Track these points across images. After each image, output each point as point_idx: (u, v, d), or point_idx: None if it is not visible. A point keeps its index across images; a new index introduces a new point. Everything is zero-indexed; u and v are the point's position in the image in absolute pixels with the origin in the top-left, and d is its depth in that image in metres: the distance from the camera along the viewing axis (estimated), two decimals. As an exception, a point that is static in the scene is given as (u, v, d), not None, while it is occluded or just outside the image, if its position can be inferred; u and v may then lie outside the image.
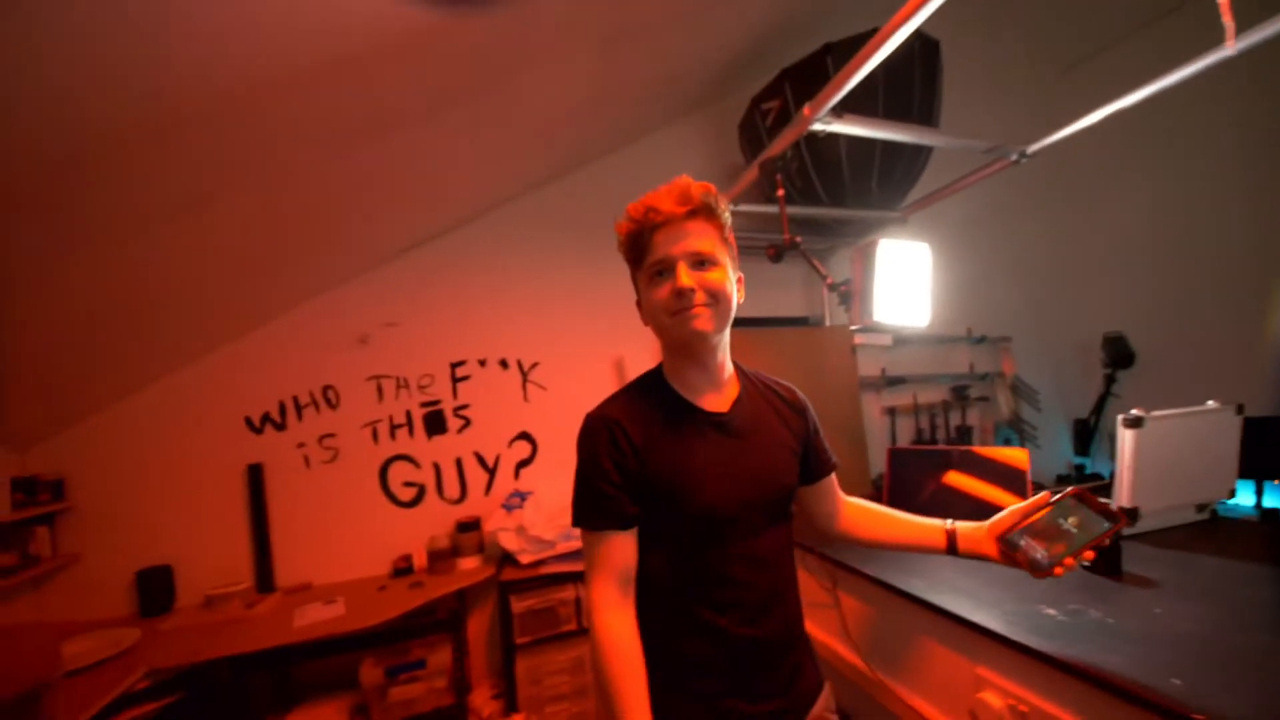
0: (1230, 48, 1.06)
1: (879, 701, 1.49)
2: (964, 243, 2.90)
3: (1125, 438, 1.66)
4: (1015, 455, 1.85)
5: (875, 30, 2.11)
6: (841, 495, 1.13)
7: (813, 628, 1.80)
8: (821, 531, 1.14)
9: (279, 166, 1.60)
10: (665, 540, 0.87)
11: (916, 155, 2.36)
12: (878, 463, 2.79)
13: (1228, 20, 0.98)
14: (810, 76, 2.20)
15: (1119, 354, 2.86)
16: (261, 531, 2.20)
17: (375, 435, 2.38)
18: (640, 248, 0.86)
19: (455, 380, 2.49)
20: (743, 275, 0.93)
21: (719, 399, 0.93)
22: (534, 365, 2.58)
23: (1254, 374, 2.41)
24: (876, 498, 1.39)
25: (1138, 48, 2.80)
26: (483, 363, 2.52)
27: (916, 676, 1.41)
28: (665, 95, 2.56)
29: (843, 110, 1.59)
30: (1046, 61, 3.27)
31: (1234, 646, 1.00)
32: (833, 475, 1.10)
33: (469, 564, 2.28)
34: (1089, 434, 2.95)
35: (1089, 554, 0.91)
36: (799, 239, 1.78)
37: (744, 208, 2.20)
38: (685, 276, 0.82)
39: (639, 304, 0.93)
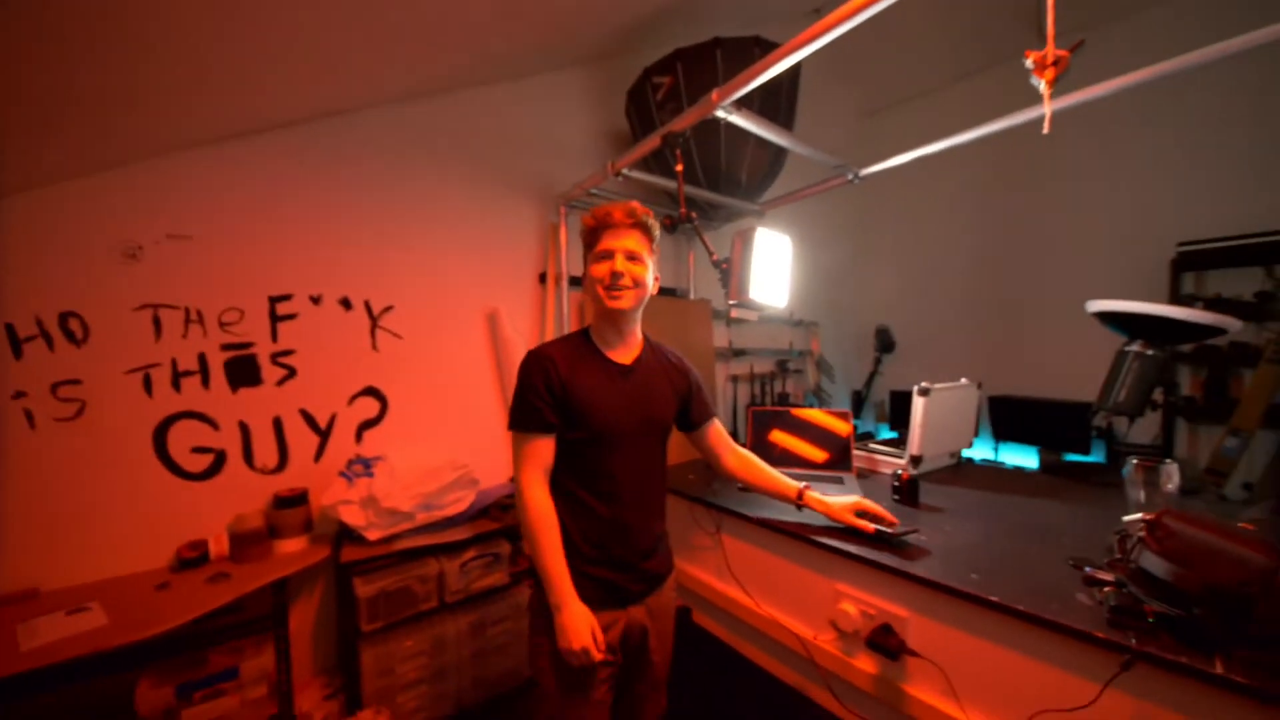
0: (1046, 130, 1.25)
1: (761, 630, 1.64)
2: (796, 239, 3.34)
3: (917, 402, 2.11)
4: (839, 419, 2.22)
5: (757, 38, 2.34)
6: (730, 443, 1.49)
7: (698, 571, 1.90)
8: (714, 469, 1.50)
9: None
10: (571, 448, 1.18)
11: (778, 157, 2.64)
12: (724, 424, 3.11)
13: (1048, 107, 1.25)
14: (700, 63, 2.29)
15: (885, 342, 3.70)
16: (-64, 520, 1.45)
17: (149, 384, 1.74)
18: (595, 238, 1.19)
19: (275, 319, 1.94)
20: (659, 276, 1.28)
21: (626, 355, 1.26)
22: (387, 309, 2.16)
23: (974, 362, 3.29)
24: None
25: (937, 101, 3.59)
26: (316, 300, 2.02)
27: (789, 599, 1.59)
28: (561, 34, 2.37)
29: (739, 103, 1.68)
30: (854, 104, 3.98)
31: (1004, 550, 1.37)
32: (716, 424, 1.47)
33: (292, 546, 1.82)
34: (861, 402, 3.77)
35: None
36: (695, 215, 1.83)
37: (635, 174, 2.18)
38: (620, 264, 1.16)
39: (586, 274, 1.22)
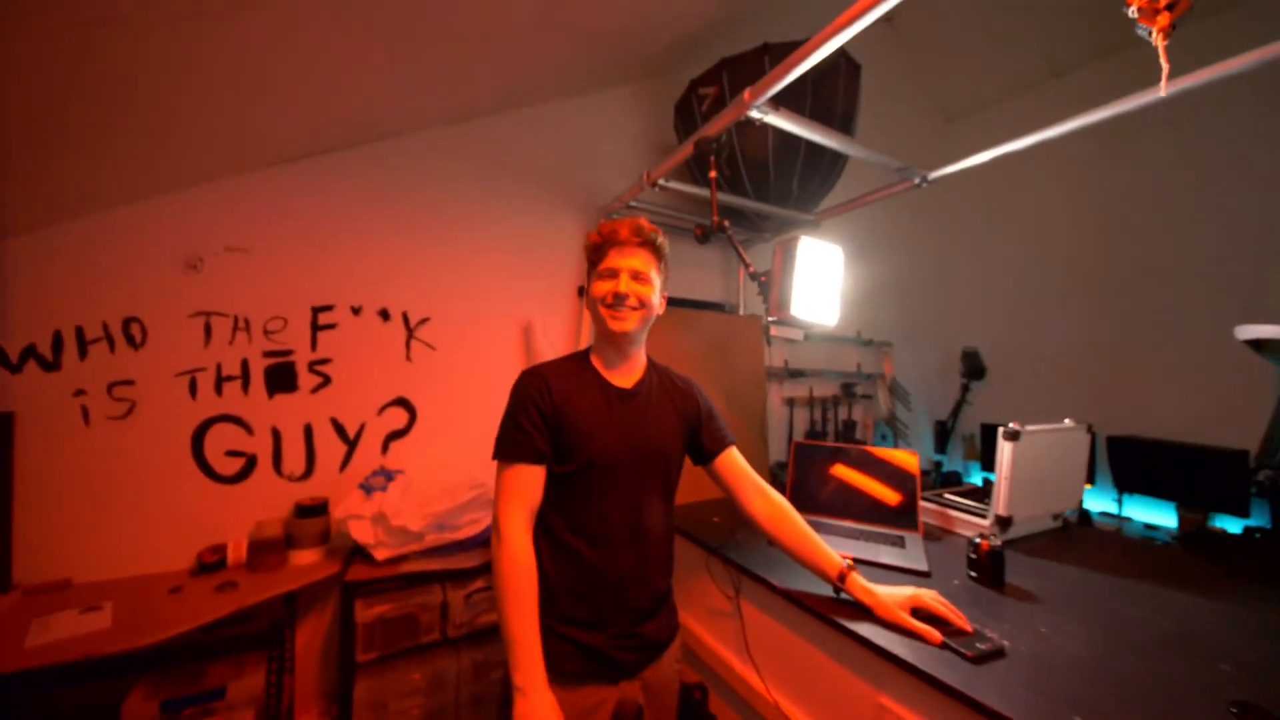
0: (1162, 93, 1.06)
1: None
2: (862, 253, 2.86)
3: (1004, 449, 1.64)
4: (906, 459, 1.80)
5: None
6: (756, 482, 1.20)
7: (713, 640, 1.57)
8: (736, 510, 1.21)
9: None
10: (559, 482, 1.02)
11: (834, 164, 2.31)
12: (775, 450, 2.71)
13: (1164, 64, 0.92)
14: (748, 71, 2.07)
15: (973, 367, 3.09)
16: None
17: (194, 388, 1.74)
18: (600, 255, 1.08)
19: (316, 328, 1.91)
20: (666, 294, 1.15)
21: (627, 378, 1.12)
22: (423, 321, 2.08)
23: (1085, 393, 2.67)
24: (778, 489, 1.25)
25: (1020, 105, 3.07)
26: (356, 310, 1.97)
27: (815, 701, 1.21)
28: (607, 53, 2.23)
29: (778, 104, 1.46)
30: (937, 110, 3.49)
31: (1125, 673, 0.92)
32: (735, 455, 1.21)
33: (306, 558, 1.73)
34: (946, 435, 3.17)
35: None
36: (727, 223, 1.59)
37: (674, 185, 1.96)
38: (625, 284, 1.05)
39: (589, 293, 1.11)
